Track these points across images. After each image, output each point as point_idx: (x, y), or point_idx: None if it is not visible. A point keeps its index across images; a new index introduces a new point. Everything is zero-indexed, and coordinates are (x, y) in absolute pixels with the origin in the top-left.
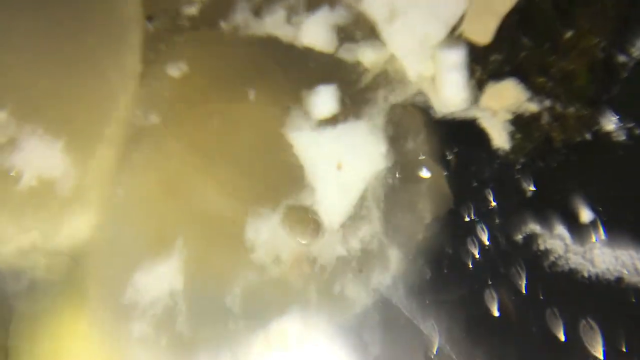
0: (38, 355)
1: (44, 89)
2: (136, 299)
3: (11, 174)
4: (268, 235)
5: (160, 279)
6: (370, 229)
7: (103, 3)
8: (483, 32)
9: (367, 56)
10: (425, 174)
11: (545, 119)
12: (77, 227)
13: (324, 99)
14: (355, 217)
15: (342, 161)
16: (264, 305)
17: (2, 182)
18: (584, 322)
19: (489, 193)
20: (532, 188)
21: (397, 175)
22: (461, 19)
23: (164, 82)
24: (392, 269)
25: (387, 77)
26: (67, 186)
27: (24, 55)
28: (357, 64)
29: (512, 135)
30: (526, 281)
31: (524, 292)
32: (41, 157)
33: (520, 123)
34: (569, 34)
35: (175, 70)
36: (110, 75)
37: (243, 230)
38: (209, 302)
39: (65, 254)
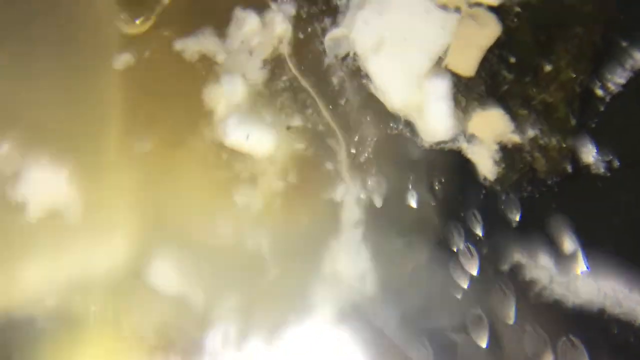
0: None
1: (44, 118)
2: None
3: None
4: None
5: None
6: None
7: (86, 22)
8: (466, 65)
9: None
10: (413, 204)
11: (528, 150)
12: (107, 256)
13: None
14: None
15: None
16: None
17: (11, 217)
18: (569, 349)
19: (476, 223)
20: (517, 219)
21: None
22: (446, 51)
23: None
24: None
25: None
26: (82, 214)
27: (19, 85)
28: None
29: (496, 166)
30: (514, 311)
31: (511, 322)
32: (48, 187)
33: (504, 154)
34: (548, 68)
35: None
36: (104, 96)
37: None
38: None
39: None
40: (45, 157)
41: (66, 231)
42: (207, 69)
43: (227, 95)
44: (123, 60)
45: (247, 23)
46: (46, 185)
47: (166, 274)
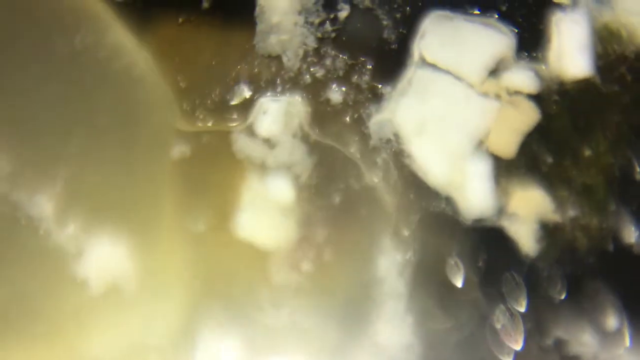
0: None
1: (106, 200)
2: None
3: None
4: None
5: None
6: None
7: (146, 115)
8: (507, 148)
9: None
10: (456, 279)
11: (569, 229)
12: (162, 324)
13: None
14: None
15: None
16: None
17: (76, 292)
18: None
19: (519, 299)
20: (559, 296)
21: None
22: (487, 135)
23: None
24: None
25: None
26: (138, 287)
27: (85, 170)
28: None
29: (538, 244)
30: None
31: None
32: (108, 263)
33: (545, 232)
34: (588, 153)
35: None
36: (161, 182)
37: None
38: None
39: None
40: (106, 236)
41: (124, 303)
42: (252, 162)
43: (272, 185)
44: (179, 150)
45: (275, 110)
46: (106, 261)
47: (214, 341)
